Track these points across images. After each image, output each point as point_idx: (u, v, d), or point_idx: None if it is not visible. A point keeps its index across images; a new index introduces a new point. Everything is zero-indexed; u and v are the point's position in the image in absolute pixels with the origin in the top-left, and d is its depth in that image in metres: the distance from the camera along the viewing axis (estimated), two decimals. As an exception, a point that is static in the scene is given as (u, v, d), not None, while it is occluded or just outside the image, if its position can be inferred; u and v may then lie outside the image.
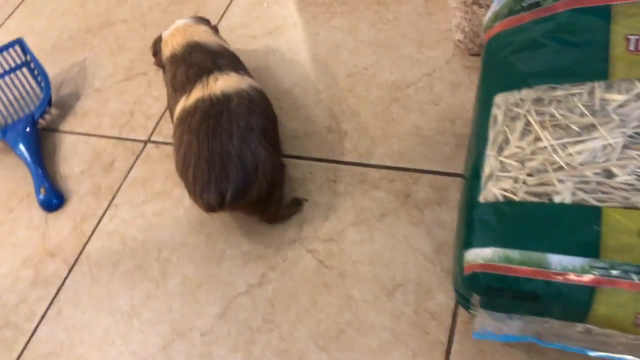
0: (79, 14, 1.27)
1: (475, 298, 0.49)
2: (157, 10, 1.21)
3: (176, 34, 0.83)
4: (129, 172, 0.93)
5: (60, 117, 1.06)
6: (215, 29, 0.90)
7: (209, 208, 0.69)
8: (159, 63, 0.89)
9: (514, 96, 0.53)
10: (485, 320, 0.50)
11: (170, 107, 0.81)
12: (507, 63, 0.56)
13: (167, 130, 0.96)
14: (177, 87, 0.77)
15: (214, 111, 0.69)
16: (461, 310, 0.65)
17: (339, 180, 0.81)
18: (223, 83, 0.72)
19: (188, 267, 0.78)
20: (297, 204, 0.78)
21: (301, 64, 0.98)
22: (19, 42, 1.08)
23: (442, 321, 0.65)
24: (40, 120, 1.04)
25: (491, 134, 0.53)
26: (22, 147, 0.98)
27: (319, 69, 0.96)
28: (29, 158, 0.96)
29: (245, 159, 0.67)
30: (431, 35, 0.95)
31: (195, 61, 0.76)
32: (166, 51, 0.83)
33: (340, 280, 0.71)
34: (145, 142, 0.96)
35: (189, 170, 0.69)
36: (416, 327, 0.65)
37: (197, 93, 0.72)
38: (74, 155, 0.98)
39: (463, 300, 0.55)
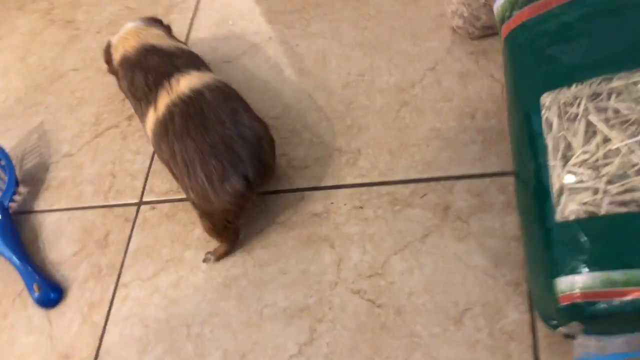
0: (21, 71, 1.21)
1: (575, 325, 0.48)
2: (108, 51, 1.16)
3: (128, 37, 0.83)
4: (128, 243, 0.89)
5: (32, 195, 1.01)
6: (168, 29, 0.90)
7: (237, 197, 0.70)
8: (113, 70, 0.89)
9: (564, 95, 0.52)
10: (586, 343, 0.49)
11: (139, 117, 0.82)
12: (546, 57, 0.54)
13: (159, 187, 0.92)
14: (140, 97, 0.78)
15: (193, 110, 0.71)
16: (540, 324, 0.64)
17: (365, 205, 0.79)
18: (187, 82, 0.74)
19: (226, 338, 0.75)
20: None
21: (289, 83, 0.95)
22: (-34, 121, 1.02)
23: (522, 340, 0.64)
24: (11, 204, 0.99)
25: (549, 141, 0.51)
26: (-3, 240, 0.93)
27: (310, 84, 0.93)
28: (10, 253, 0.90)
29: (247, 136, 0.70)
30: (423, 24, 0.93)
31: (152, 65, 0.77)
32: (117, 56, 0.83)
33: (398, 318, 0.69)
34: (138, 205, 0.92)
35: (197, 172, 0.69)
36: (497, 353, 0.64)
37: (164, 100, 0.73)
38: (60, 236, 0.94)
39: (550, 321, 0.54)
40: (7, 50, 1.27)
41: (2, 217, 0.95)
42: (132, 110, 1.02)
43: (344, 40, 0.96)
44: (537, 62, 0.55)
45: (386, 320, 0.70)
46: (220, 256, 0.80)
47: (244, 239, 0.82)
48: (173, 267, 0.84)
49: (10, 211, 0.98)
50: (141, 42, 0.81)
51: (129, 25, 0.87)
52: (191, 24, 1.11)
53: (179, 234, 0.86)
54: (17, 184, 1.00)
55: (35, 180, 1.03)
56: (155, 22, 0.90)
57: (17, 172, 1.03)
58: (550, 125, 0.53)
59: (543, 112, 0.53)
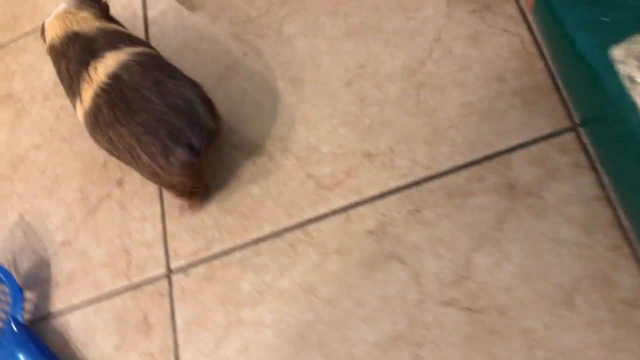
0: (-26, 165, 1.08)
1: None
2: (64, 115, 1.05)
3: (55, 23, 0.81)
4: (173, 320, 0.81)
5: (43, 298, 0.91)
6: (104, 8, 0.86)
7: (186, 167, 0.70)
8: None
9: (638, 43, 0.47)
10: None
11: (70, 100, 0.81)
12: (604, 4, 0.49)
13: (183, 249, 0.84)
14: (67, 87, 0.78)
15: (115, 97, 0.71)
16: (657, 282, 0.60)
17: (421, 207, 0.73)
18: (103, 68, 0.73)
19: (325, 393, 0.69)
20: None
21: (285, 97, 0.87)
22: (-61, 242, 0.90)
23: (645, 303, 0.60)
24: (25, 316, 0.88)
25: (638, 99, 0.46)
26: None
27: (309, 92, 0.86)
28: (48, 372, 0.81)
29: (178, 105, 0.70)
30: (408, -7, 0.85)
31: (73, 55, 0.77)
32: (47, 41, 0.82)
33: (504, 318, 0.65)
34: (168, 276, 0.84)
35: (140, 154, 0.70)
36: (623, 327, 0.60)
37: (88, 92, 0.74)
38: (93, 333, 0.85)
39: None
40: (-52, 145, 1.13)
41: (22, 334, 0.85)
42: (120, 173, 0.92)
43: (328, 33, 0.88)
44: (595, 12, 0.50)
45: (492, 324, 0.65)
46: (197, 205, 0.82)
47: (302, 280, 0.75)
48: (234, 332, 0.76)
49: (27, 324, 0.87)
50: (65, 30, 0.80)
51: (61, 7, 0.83)
52: (150, 61, 1.00)
53: (227, 294, 0.79)
54: (21, 291, 0.89)
55: (40, 280, 0.92)
56: (87, 2, 0.85)
57: (18, 280, 0.92)
58: (633, 81, 0.48)
59: (619, 67, 0.48)
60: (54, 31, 0.80)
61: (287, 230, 0.78)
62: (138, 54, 0.75)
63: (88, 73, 0.74)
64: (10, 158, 1.04)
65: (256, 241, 0.79)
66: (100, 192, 0.93)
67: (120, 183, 0.92)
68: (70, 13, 0.81)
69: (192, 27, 0.98)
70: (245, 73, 0.91)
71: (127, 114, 0.70)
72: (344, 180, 0.77)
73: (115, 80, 0.71)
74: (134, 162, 0.72)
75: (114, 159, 0.94)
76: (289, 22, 0.91)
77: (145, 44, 0.81)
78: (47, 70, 1.08)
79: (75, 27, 0.79)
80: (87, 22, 0.80)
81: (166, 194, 0.87)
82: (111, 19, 0.85)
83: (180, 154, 0.69)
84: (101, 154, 0.95)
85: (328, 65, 0.85)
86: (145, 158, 0.70)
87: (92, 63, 0.74)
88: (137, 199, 0.90)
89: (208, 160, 0.77)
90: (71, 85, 0.77)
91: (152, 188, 0.89)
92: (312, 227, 0.77)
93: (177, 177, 0.72)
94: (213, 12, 0.97)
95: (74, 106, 0.77)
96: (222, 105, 0.90)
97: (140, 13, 1.03)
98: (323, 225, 0.76)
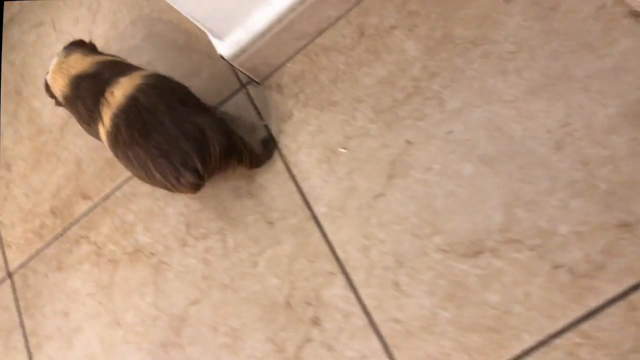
0: (128, 338, 0.94)
1: None
2: (214, 258, 0.91)
3: (56, 77, 0.85)
4: None
5: None
6: (91, 47, 0.90)
7: (194, 186, 0.75)
8: (60, 103, 0.89)
9: None
10: None
11: (92, 135, 0.84)
12: None
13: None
14: (88, 121, 0.81)
15: (132, 117, 0.74)
16: None
17: None
18: (120, 91, 0.76)
19: None
20: (268, 145, 0.86)
21: (483, 179, 0.73)
22: None
23: None
24: None
25: None
26: None
27: (511, 167, 0.72)
28: None
29: (188, 130, 0.73)
30: (586, 29, 0.72)
31: (86, 92, 0.80)
32: (58, 95, 0.85)
33: None
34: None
35: (154, 173, 0.74)
36: None
37: (107, 114, 0.76)
38: None
39: None
40: (90, 324, 0.99)
41: None
42: (311, 310, 0.79)
43: (505, 96, 0.74)
44: None
45: None
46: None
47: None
48: None
49: None
50: (68, 77, 0.83)
51: (54, 61, 0.86)
52: (296, 183, 0.86)
53: None
54: None
55: None
56: (78, 44, 0.89)
57: None
58: None
59: None
60: (60, 84, 0.84)
61: (555, 336, 0.64)
62: (151, 77, 0.77)
63: (106, 98, 0.76)
64: (168, 321, 0.90)
65: (520, 357, 0.65)
66: (295, 338, 0.79)
67: (315, 322, 0.78)
68: (62, 62, 0.85)
69: (333, 127, 0.84)
70: (419, 166, 0.77)
71: (143, 136, 0.73)
72: (605, 261, 0.64)
73: (133, 101, 0.74)
74: (147, 178, 0.76)
75: (296, 295, 0.81)
76: (449, 95, 0.77)
77: (139, 68, 0.82)
78: (172, 212, 0.95)
79: (74, 71, 0.82)
80: (82, 62, 0.83)
81: (380, 325, 0.74)
82: (101, 53, 0.87)
83: (189, 177, 0.73)
84: (279, 293, 0.81)
85: (522, 132, 0.72)
86: (158, 177, 0.74)
87: (108, 89, 0.77)
88: (345, 336, 0.76)
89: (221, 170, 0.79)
90: (92, 116, 0.79)
91: (358, 319, 0.75)
92: (587, 326, 0.63)
93: (186, 193, 0.79)
94: (348, 104, 0.84)
95: (97, 132, 0.79)
96: (403, 207, 0.76)
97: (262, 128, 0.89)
98: (601, 321, 0.63)
